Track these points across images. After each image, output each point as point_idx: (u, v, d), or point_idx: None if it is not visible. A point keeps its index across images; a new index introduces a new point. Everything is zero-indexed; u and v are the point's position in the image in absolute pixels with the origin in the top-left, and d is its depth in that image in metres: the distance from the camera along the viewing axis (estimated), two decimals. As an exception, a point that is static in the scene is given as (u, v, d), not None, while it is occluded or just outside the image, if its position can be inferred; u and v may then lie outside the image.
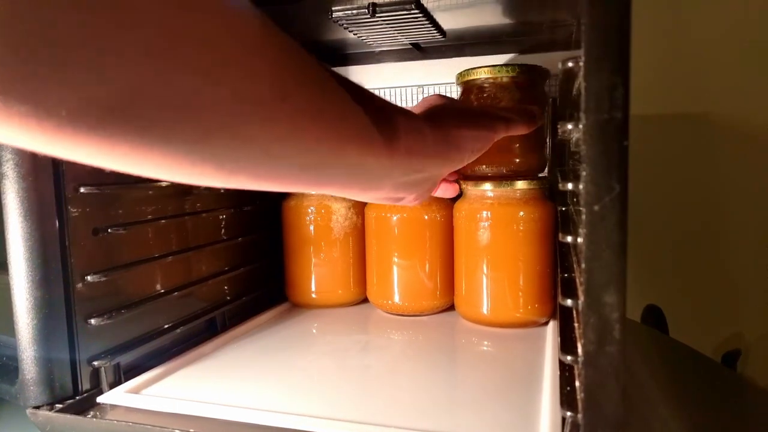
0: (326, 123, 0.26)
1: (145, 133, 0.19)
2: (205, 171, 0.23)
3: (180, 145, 0.21)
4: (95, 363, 0.44)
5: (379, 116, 0.31)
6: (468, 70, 0.58)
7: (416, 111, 0.41)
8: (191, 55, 0.19)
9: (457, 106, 0.42)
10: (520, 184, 0.56)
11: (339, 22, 0.53)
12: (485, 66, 0.57)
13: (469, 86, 0.58)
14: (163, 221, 0.53)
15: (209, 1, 0.20)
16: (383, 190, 0.35)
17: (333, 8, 0.50)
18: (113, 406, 0.43)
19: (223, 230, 0.62)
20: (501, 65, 0.56)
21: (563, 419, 0.36)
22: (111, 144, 0.19)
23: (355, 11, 0.50)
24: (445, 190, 0.53)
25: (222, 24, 0.20)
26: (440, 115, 0.40)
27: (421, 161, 0.36)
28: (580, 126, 0.27)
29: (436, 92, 0.71)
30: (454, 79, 0.64)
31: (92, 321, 0.44)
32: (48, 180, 0.42)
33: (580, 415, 0.28)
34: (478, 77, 0.57)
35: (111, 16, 0.16)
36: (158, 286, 0.52)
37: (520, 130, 0.46)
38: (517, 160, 0.57)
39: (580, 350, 0.29)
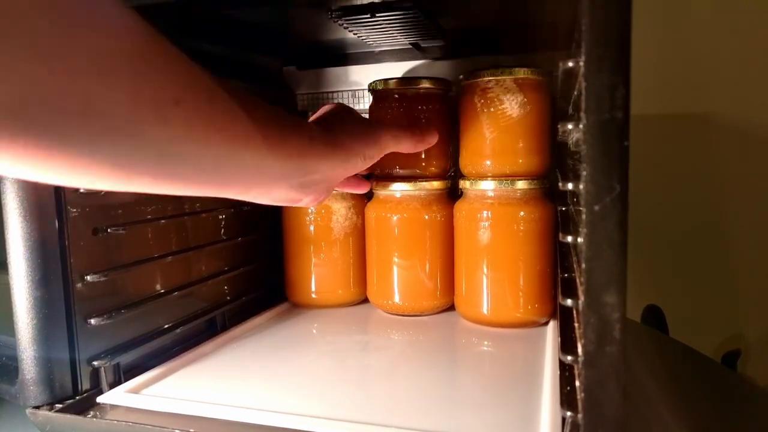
0: (216, 126, 0.29)
1: (44, 134, 0.21)
2: (104, 172, 0.25)
3: (79, 146, 0.23)
4: (95, 363, 0.44)
5: (268, 121, 0.34)
6: (471, 71, 0.58)
7: (314, 116, 0.46)
8: (82, 63, 0.21)
9: (349, 116, 0.46)
10: (521, 184, 0.56)
11: (339, 21, 0.53)
12: (488, 68, 0.57)
13: (472, 87, 0.58)
14: (162, 221, 0.53)
15: (97, 17, 0.22)
16: (281, 190, 0.38)
17: (333, 8, 0.50)
18: (113, 406, 0.43)
19: (222, 230, 0.62)
20: (504, 67, 0.56)
21: (563, 419, 0.36)
22: (8, 145, 0.21)
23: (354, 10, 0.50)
24: (356, 186, 0.57)
25: (109, 36, 0.23)
26: (332, 122, 0.44)
27: (314, 162, 0.39)
28: (581, 126, 0.27)
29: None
30: (454, 79, 0.64)
31: (92, 321, 0.44)
32: (48, 180, 0.42)
33: (580, 415, 0.28)
34: (481, 79, 0.57)
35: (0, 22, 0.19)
36: (158, 286, 0.52)
37: (407, 149, 0.51)
38: (521, 161, 0.57)
39: (580, 350, 0.29)
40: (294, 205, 0.44)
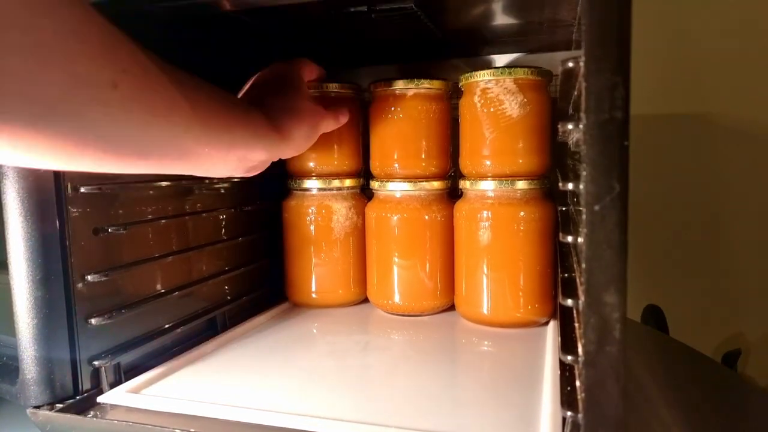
0: (155, 110, 0.30)
1: None
2: (46, 151, 0.25)
3: (20, 125, 0.23)
4: (96, 363, 0.44)
5: (200, 95, 0.36)
6: (472, 72, 0.58)
7: (250, 83, 0.50)
8: (13, 38, 0.22)
9: (287, 90, 0.48)
10: (521, 184, 0.56)
11: (339, 21, 0.53)
12: (489, 68, 0.57)
13: (472, 87, 0.58)
14: (163, 221, 0.53)
15: None
16: (218, 163, 0.40)
17: (333, 8, 0.50)
18: (114, 406, 0.43)
19: (223, 230, 0.62)
20: (504, 67, 0.56)
21: (564, 419, 0.36)
22: None
23: (353, 9, 0.50)
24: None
25: (38, 12, 0.23)
26: (269, 96, 0.47)
27: (244, 138, 0.41)
28: (581, 126, 0.27)
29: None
30: (453, 80, 0.64)
31: (93, 321, 0.44)
32: (48, 180, 0.42)
33: (580, 415, 0.28)
34: (481, 79, 0.57)
35: None
36: (158, 286, 0.52)
37: (330, 128, 0.54)
38: (521, 161, 0.57)
39: (580, 350, 0.29)
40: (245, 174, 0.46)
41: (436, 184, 0.62)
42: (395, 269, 0.62)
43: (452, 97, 0.66)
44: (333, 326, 0.61)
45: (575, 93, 0.35)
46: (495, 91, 0.57)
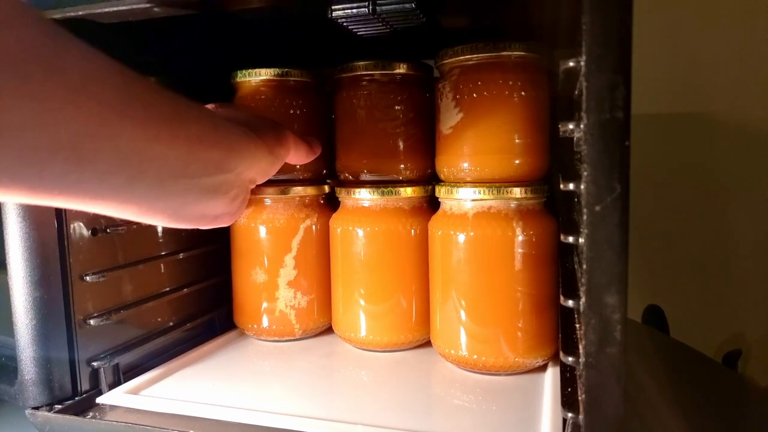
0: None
1: None
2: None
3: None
4: (94, 363, 0.44)
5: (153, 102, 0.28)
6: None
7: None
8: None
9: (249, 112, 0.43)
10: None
11: (338, 20, 0.53)
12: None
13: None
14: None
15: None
16: (187, 198, 0.31)
17: (332, 6, 0.50)
18: (112, 407, 0.42)
19: (222, 231, 0.62)
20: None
21: (564, 420, 0.36)
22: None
23: (354, 9, 0.50)
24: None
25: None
26: (237, 113, 0.40)
27: (226, 154, 0.32)
28: (581, 126, 0.26)
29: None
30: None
31: (91, 321, 0.44)
32: (47, 180, 0.41)
33: (581, 417, 0.28)
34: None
35: None
36: (158, 286, 0.52)
37: (298, 159, 0.44)
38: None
39: (581, 351, 0.28)
40: (209, 226, 0.35)
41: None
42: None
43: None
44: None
45: (576, 93, 0.35)
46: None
